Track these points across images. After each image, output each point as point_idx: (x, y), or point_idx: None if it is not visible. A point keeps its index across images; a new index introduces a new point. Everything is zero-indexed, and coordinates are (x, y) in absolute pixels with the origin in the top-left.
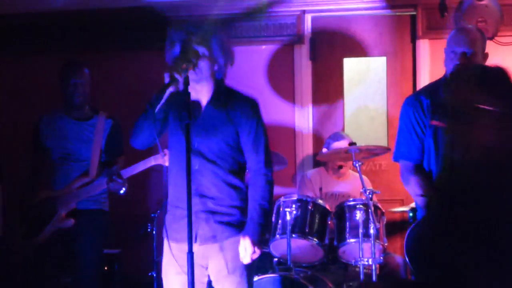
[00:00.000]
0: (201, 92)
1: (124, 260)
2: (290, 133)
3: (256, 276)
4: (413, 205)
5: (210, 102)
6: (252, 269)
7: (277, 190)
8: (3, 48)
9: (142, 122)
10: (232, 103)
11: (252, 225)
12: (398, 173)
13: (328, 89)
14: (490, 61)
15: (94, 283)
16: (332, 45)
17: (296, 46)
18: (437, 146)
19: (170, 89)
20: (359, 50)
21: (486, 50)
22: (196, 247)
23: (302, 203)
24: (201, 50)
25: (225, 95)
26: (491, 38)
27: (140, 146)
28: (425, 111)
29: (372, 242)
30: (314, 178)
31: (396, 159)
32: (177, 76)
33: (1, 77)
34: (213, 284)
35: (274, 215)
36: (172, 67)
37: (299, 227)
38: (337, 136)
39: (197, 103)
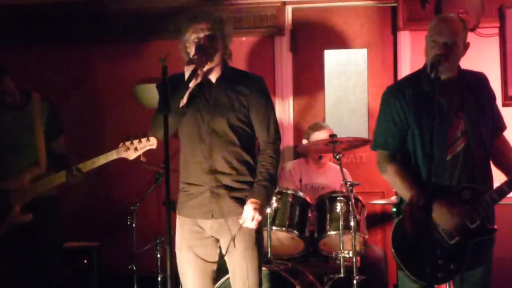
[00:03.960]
0: (211, 72)
1: (103, 253)
2: None
3: None
4: (394, 198)
5: (219, 81)
6: (261, 244)
7: None
8: None
9: (159, 117)
10: (240, 81)
11: (257, 188)
12: None
13: (309, 81)
14: (471, 53)
15: (58, 270)
16: (312, 37)
17: (276, 38)
18: (422, 140)
19: (192, 83)
20: (340, 42)
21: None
22: (210, 222)
23: (282, 195)
24: (215, 38)
25: (232, 74)
26: (473, 30)
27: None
28: (407, 102)
29: (353, 234)
30: (294, 169)
31: (374, 148)
32: (198, 70)
33: None
34: (225, 257)
35: None
36: (191, 60)
37: (279, 220)
38: (317, 127)
39: (207, 82)
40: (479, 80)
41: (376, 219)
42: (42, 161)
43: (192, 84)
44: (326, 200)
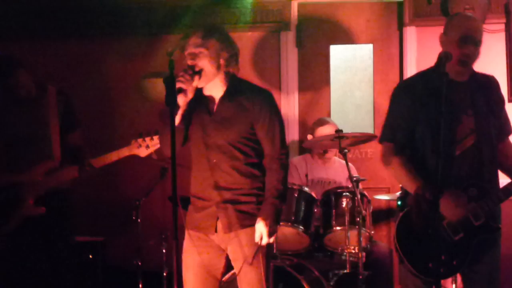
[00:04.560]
0: (214, 88)
1: (109, 248)
2: None
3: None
4: (399, 194)
5: (223, 96)
6: (268, 256)
7: None
8: None
9: (165, 136)
10: (245, 95)
11: (267, 207)
12: None
13: (314, 76)
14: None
15: (72, 265)
16: (318, 32)
17: (282, 33)
18: (431, 135)
19: (182, 100)
20: (345, 37)
21: None
22: (216, 236)
23: (288, 190)
24: (199, 51)
25: (238, 88)
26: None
27: (170, 153)
28: (418, 98)
29: (359, 230)
30: (300, 164)
31: (381, 140)
32: (182, 87)
33: None
34: (232, 263)
35: None
36: (177, 79)
37: (285, 215)
38: (322, 122)
39: (211, 98)
40: (490, 82)
41: (382, 215)
42: (56, 155)
43: (182, 102)
44: (331, 196)
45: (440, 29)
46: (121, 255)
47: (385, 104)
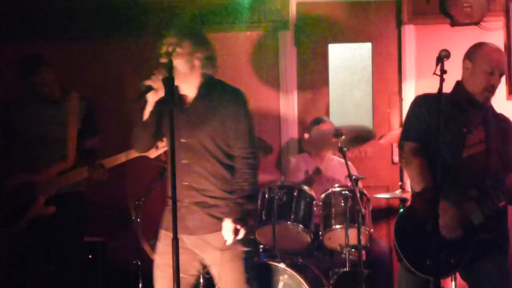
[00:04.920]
0: (188, 88)
1: (108, 248)
2: (275, 119)
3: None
4: (398, 192)
5: (196, 96)
6: (247, 257)
7: (262, 176)
8: None
9: (137, 131)
10: (217, 95)
11: (233, 206)
12: (383, 160)
13: (313, 76)
14: None
15: (78, 268)
16: (317, 31)
17: (280, 32)
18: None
19: (152, 98)
20: (344, 36)
21: (472, 36)
22: (187, 237)
23: (287, 189)
24: (178, 54)
25: (210, 88)
26: (477, 23)
27: (141, 151)
28: (437, 109)
29: (358, 228)
30: (299, 162)
31: (404, 140)
32: (151, 84)
33: None
34: (210, 269)
35: (259, 202)
36: (147, 75)
37: (285, 214)
38: (318, 120)
39: (183, 98)
40: (505, 119)
41: (381, 213)
42: (71, 157)
43: (151, 100)
44: (331, 195)
45: (438, 27)
46: (121, 255)
47: (384, 103)
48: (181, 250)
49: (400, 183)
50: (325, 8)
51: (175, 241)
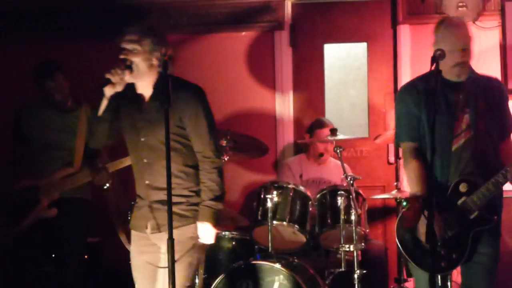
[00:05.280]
0: (145, 87)
1: (105, 249)
2: (271, 120)
3: (238, 263)
4: (394, 192)
5: (152, 95)
6: (197, 260)
7: (258, 177)
8: None
9: (92, 124)
10: (174, 92)
11: (204, 210)
12: (379, 159)
13: (309, 76)
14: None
15: (76, 271)
16: (312, 31)
17: (276, 33)
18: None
19: (109, 91)
20: (339, 36)
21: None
22: (149, 234)
23: (283, 189)
24: (132, 47)
25: (165, 86)
26: (472, 23)
27: (95, 145)
28: (419, 97)
29: (354, 228)
30: (294, 165)
31: (398, 142)
32: (110, 78)
33: None
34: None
35: (255, 201)
36: (109, 71)
37: (280, 214)
38: (321, 124)
39: (140, 97)
40: (491, 82)
41: (377, 213)
42: (77, 164)
43: (108, 93)
44: (327, 194)
45: (434, 27)
46: (118, 255)
47: (379, 102)
48: (149, 247)
49: (396, 183)
50: (320, 8)
51: (171, 241)
